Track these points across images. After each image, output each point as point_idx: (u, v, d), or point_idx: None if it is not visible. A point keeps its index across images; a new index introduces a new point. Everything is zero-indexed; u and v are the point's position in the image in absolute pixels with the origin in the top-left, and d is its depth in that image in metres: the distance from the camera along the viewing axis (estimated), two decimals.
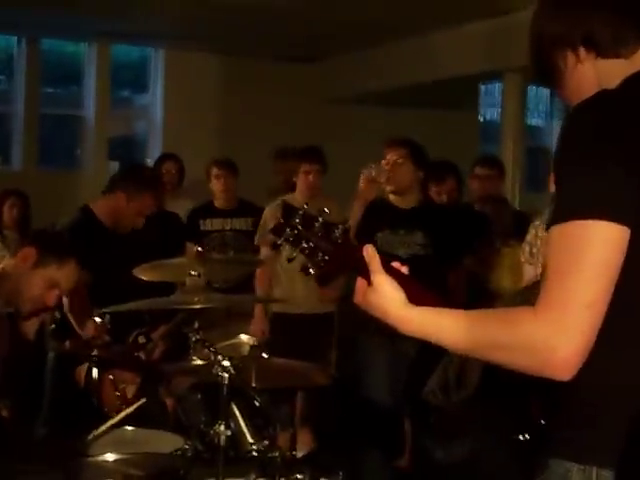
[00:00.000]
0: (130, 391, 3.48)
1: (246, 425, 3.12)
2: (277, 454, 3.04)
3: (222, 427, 2.92)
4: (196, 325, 3.25)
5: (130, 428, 3.24)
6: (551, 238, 1.57)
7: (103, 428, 3.13)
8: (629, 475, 1.57)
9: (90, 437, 3.09)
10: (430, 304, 1.68)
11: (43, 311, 3.36)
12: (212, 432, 2.95)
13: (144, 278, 3.52)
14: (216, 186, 6.28)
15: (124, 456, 2.97)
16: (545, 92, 11.18)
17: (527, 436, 2.12)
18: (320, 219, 1.71)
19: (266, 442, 3.10)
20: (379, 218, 4.92)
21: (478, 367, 2.79)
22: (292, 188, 5.80)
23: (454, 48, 8.43)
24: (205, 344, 3.10)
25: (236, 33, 8.83)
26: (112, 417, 3.21)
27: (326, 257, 1.70)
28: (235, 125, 9.75)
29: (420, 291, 1.70)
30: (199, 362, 3.15)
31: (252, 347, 3.34)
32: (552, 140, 11.27)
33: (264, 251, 5.64)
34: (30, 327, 3.36)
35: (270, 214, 5.56)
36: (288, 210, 1.72)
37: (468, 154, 7.63)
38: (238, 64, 9.88)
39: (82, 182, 9.25)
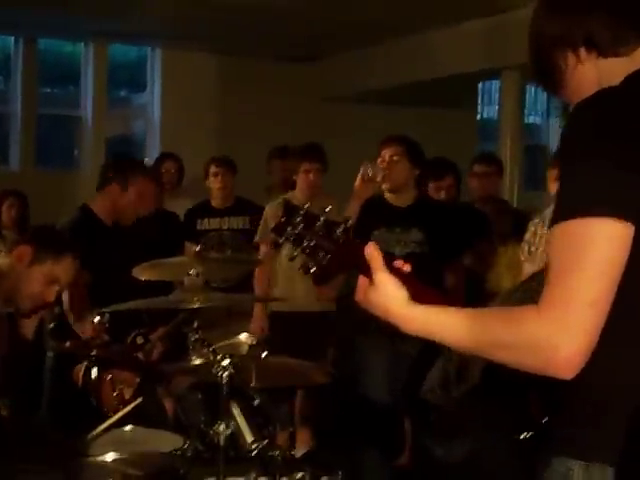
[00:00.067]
0: (128, 392, 3.47)
1: (246, 424, 3.12)
2: (277, 453, 3.04)
3: (222, 426, 2.92)
4: (195, 324, 3.24)
5: (130, 428, 3.24)
6: (553, 236, 1.56)
7: (101, 428, 3.12)
8: (630, 472, 1.56)
9: (89, 437, 3.08)
10: (432, 302, 1.67)
11: (43, 308, 3.35)
12: (212, 431, 2.95)
13: (143, 277, 3.52)
14: (214, 183, 6.27)
15: (124, 456, 2.97)
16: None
17: (528, 434, 2.12)
18: (321, 218, 1.70)
19: (266, 441, 3.09)
20: (375, 216, 4.92)
21: (479, 361, 2.78)
22: (291, 186, 5.80)
23: (452, 46, 8.44)
24: (204, 343, 3.09)
25: (234, 32, 8.83)
26: (111, 417, 3.21)
27: (328, 256, 1.70)
28: (234, 125, 9.75)
29: (422, 289, 1.69)
30: (198, 362, 3.15)
31: (251, 346, 3.34)
32: (550, 138, 11.28)
33: (263, 249, 5.63)
34: (29, 326, 3.35)
35: (271, 212, 5.55)
36: (289, 209, 1.71)
37: (466, 152, 7.64)
38: (236, 63, 9.88)
39: (80, 182, 9.24)
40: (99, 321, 3.49)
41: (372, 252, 1.69)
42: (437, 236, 4.91)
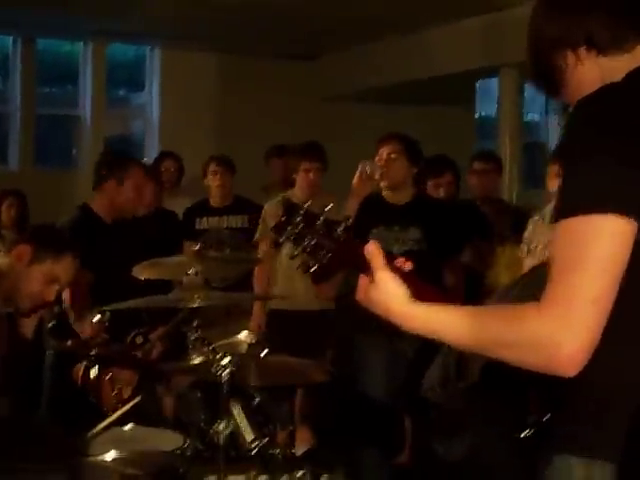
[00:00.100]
0: (127, 391, 3.48)
1: (246, 423, 3.12)
2: (277, 451, 3.04)
3: (222, 425, 2.92)
4: (195, 323, 3.25)
5: (130, 427, 3.24)
6: (556, 234, 1.56)
7: (100, 427, 3.12)
8: (631, 470, 1.56)
9: (89, 436, 3.08)
10: (433, 300, 1.67)
11: (42, 307, 3.35)
12: (212, 430, 2.95)
13: (142, 276, 3.52)
14: (212, 182, 6.27)
15: (124, 455, 2.97)
16: None
17: (529, 432, 2.12)
18: (322, 217, 1.70)
19: (266, 439, 3.09)
20: (373, 214, 4.91)
21: (479, 358, 2.78)
22: (289, 184, 5.79)
23: (451, 44, 8.43)
24: (204, 342, 3.09)
25: (233, 31, 8.82)
26: (110, 416, 3.21)
27: (328, 255, 1.69)
28: (233, 123, 9.74)
29: (423, 287, 1.69)
30: (198, 360, 3.15)
31: (251, 345, 3.34)
32: (549, 136, 11.27)
33: (263, 248, 5.63)
34: (28, 325, 3.35)
35: (270, 211, 5.54)
36: (290, 208, 1.71)
37: (465, 150, 7.63)
38: (235, 62, 9.86)
39: (79, 182, 9.21)
40: (99, 320, 3.49)
41: (373, 250, 1.69)
42: (435, 234, 4.90)
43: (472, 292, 4.74)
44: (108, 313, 3.49)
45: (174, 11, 8.21)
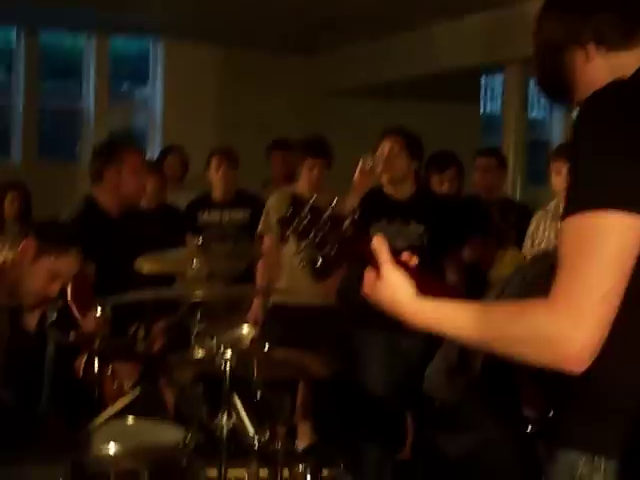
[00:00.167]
0: (128, 384, 3.47)
1: (248, 417, 3.11)
2: (279, 446, 3.04)
3: (224, 419, 2.92)
4: (198, 317, 3.24)
5: (131, 420, 3.23)
6: (564, 230, 1.55)
7: (101, 419, 3.12)
8: (635, 466, 1.56)
9: (90, 429, 3.08)
10: (439, 295, 1.66)
11: (46, 302, 3.35)
12: (214, 424, 2.95)
13: (145, 270, 3.51)
14: (215, 175, 6.25)
15: (125, 448, 2.97)
16: None
17: (533, 428, 2.12)
18: (328, 211, 1.70)
19: (267, 434, 3.09)
20: (375, 209, 4.90)
21: (480, 353, 2.78)
22: (291, 179, 5.78)
23: (455, 41, 8.42)
24: (206, 335, 3.09)
25: (237, 25, 8.81)
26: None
27: (334, 249, 1.69)
28: (236, 118, 9.74)
29: (429, 282, 1.69)
30: (200, 354, 3.15)
31: (253, 339, 3.34)
32: (553, 133, 11.26)
33: (267, 241, 5.62)
34: (31, 318, 3.35)
35: (273, 204, 5.53)
36: (296, 202, 1.71)
37: (469, 147, 7.61)
38: (238, 56, 9.86)
39: (82, 175, 9.20)
40: (101, 313, 3.49)
41: (379, 245, 1.68)
42: (437, 228, 4.90)
43: (473, 288, 4.74)
44: (110, 307, 3.49)
45: (177, 5, 8.20)
